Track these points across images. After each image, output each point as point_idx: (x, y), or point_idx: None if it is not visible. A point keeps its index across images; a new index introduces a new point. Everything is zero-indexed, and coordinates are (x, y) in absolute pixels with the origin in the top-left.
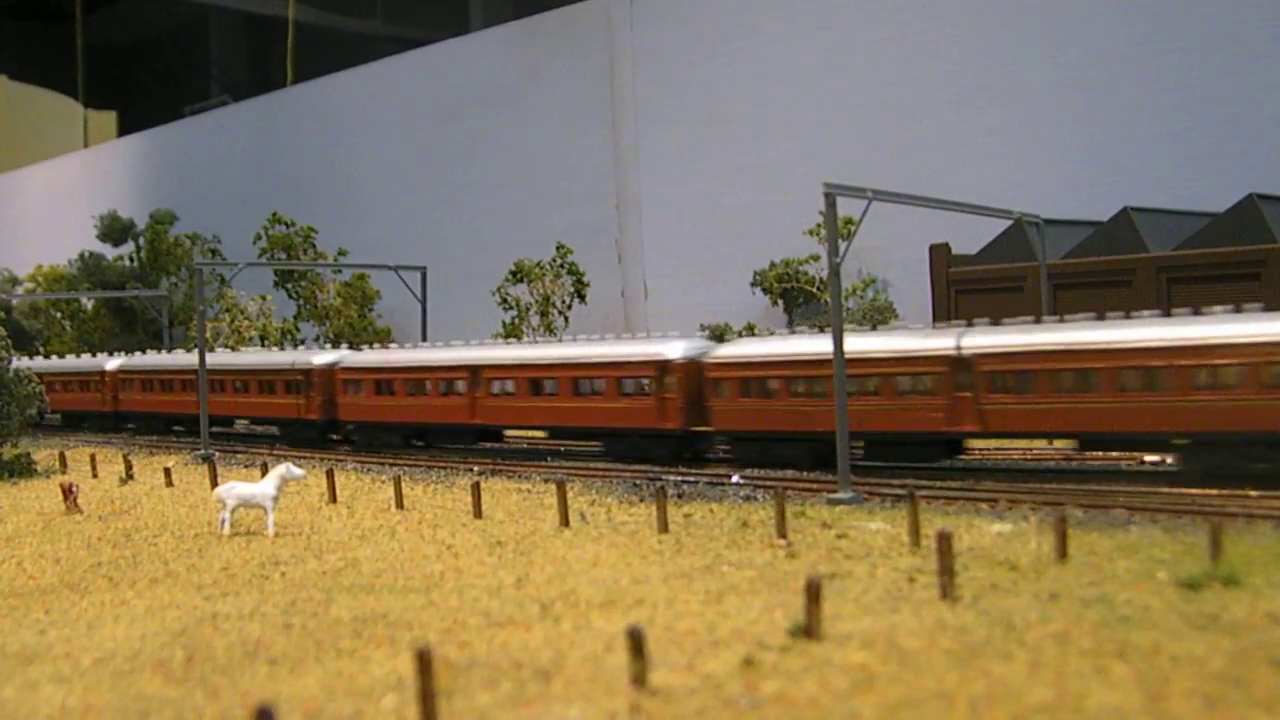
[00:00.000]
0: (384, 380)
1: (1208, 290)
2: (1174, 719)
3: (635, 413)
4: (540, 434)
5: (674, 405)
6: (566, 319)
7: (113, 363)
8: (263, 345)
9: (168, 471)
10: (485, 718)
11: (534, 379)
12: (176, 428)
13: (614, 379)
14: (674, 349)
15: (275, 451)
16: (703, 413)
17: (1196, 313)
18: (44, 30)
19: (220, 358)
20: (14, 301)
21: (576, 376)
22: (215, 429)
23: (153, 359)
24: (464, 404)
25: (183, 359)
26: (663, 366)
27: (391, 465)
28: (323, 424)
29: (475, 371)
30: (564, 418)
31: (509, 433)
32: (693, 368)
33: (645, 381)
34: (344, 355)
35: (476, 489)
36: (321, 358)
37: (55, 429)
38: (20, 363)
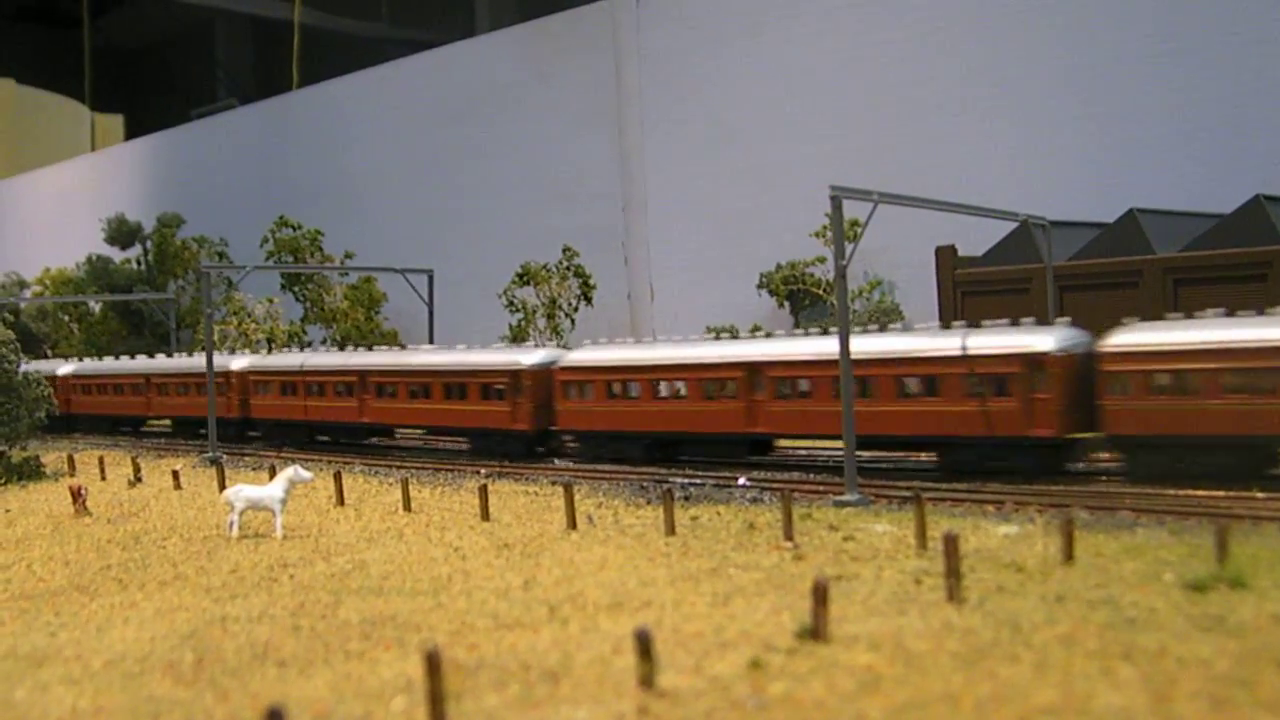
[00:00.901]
0: (623, 381)
1: (1215, 292)
2: None
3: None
4: None
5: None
6: (573, 321)
7: (240, 361)
8: (270, 348)
9: (176, 474)
10: (494, 719)
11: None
12: (322, 438)
13: (478, 386)
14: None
15: (283, 455)
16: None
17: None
18: (51, 34)
19: (386, 357)
20: (22, 304)
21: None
22: (366, 443)
23: (293, 358)
24: (738, 409)
25: (338, 358)
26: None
27: (399, 468)
28: (533, 435)
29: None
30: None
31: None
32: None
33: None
34: (560, 353)
35: (484, 491)
36: (531, 356)
37: (105, 434)
38: (119, 362)
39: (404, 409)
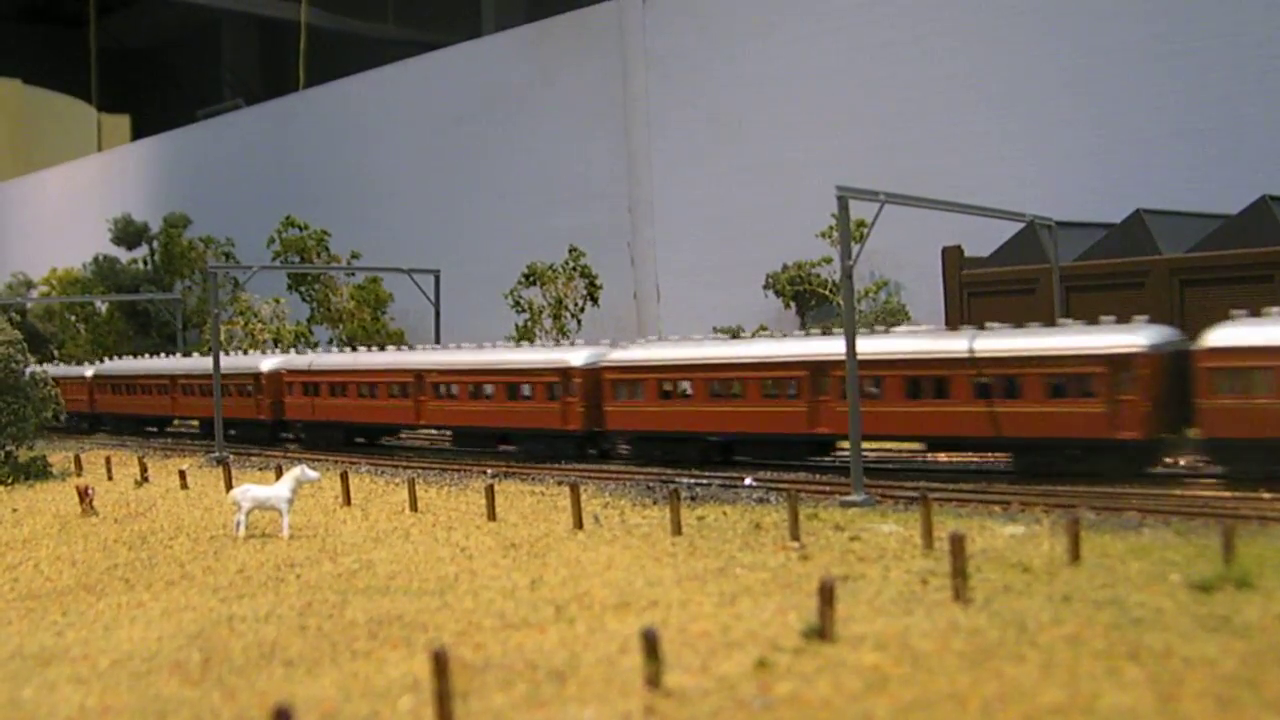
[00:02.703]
0: (675, 379)
1: (1221, 293)
2: None
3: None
4: None
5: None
6: (579, 321)
7: (270, 362)
8: (276, 348)
9: (183, 474)
10: (501, 719)
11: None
12: (359, 439)
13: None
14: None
15: (289, 455)
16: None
17: None
18: (58, 34)
19: (446, 355)
20: (29, 305)
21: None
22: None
23: (336, 358)
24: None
25: (389, 357)
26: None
27: (405, 468)
28: (581, 436)
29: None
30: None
31: None
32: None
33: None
34: (603, 351)
35: (490, 492)
36: (579, 354)
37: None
38: (146, 362)
39: (467, 410)
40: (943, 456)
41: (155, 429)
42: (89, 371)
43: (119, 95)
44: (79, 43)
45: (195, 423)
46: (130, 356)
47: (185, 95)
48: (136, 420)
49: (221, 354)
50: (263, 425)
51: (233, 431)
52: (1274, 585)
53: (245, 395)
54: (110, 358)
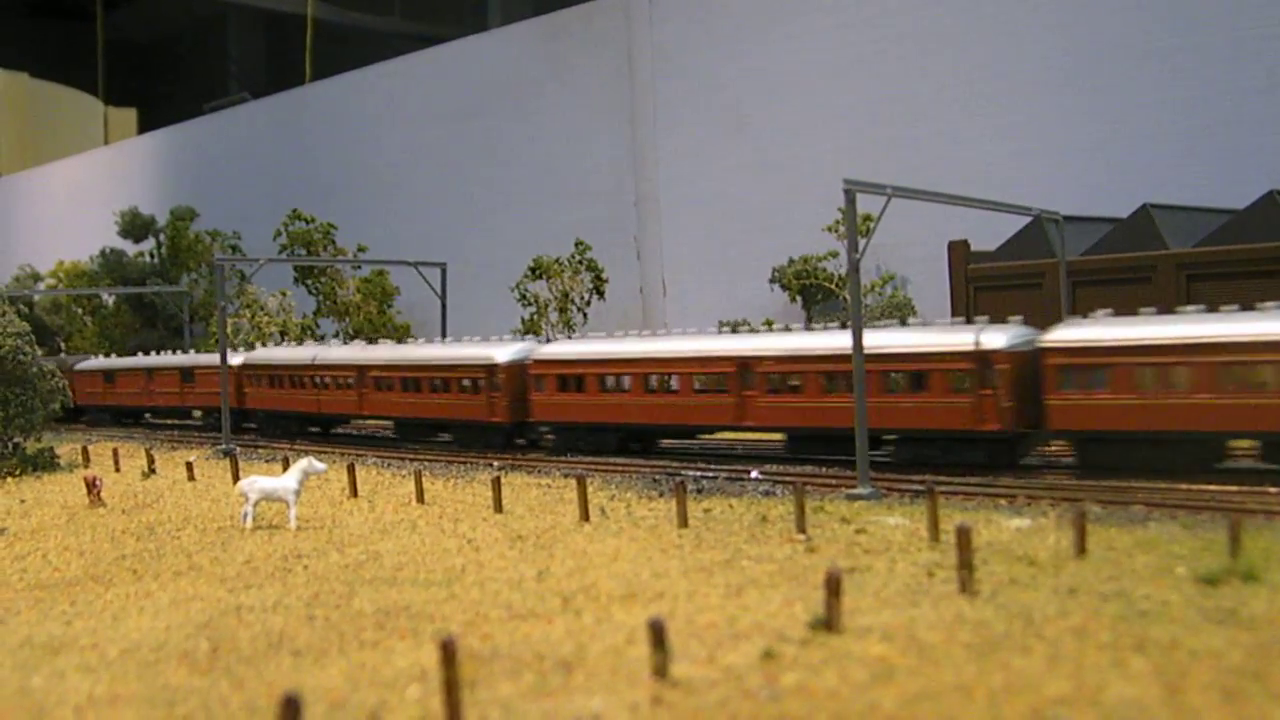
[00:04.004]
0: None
1: (1228, 287)
2: (1192, 712)
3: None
4: None
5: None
6: (585, 315)
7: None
8: (283, 341)
9: (190, 466)
10: (508, 708)
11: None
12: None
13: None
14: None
15: (296, 446)
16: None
17: None
18: (65, 28)
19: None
20: (36, 297)
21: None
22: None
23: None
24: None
25: (446, 350)
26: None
27: (412, 460)
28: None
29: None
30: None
31: None
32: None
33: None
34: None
35: (497, 484)
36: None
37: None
38: (318, 350)
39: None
40: None
41: (318, 430)
42: (235, 359)
43: (126, 89)
44: (86, 36)
45: (387, 423)
46: (288, 344)
47: (192, 89)
48: (304, 420)
49: (437, 340)
50: (497, 430)
51: (445, 437)
52: None
53: (471, 392)
54: (263, 344)
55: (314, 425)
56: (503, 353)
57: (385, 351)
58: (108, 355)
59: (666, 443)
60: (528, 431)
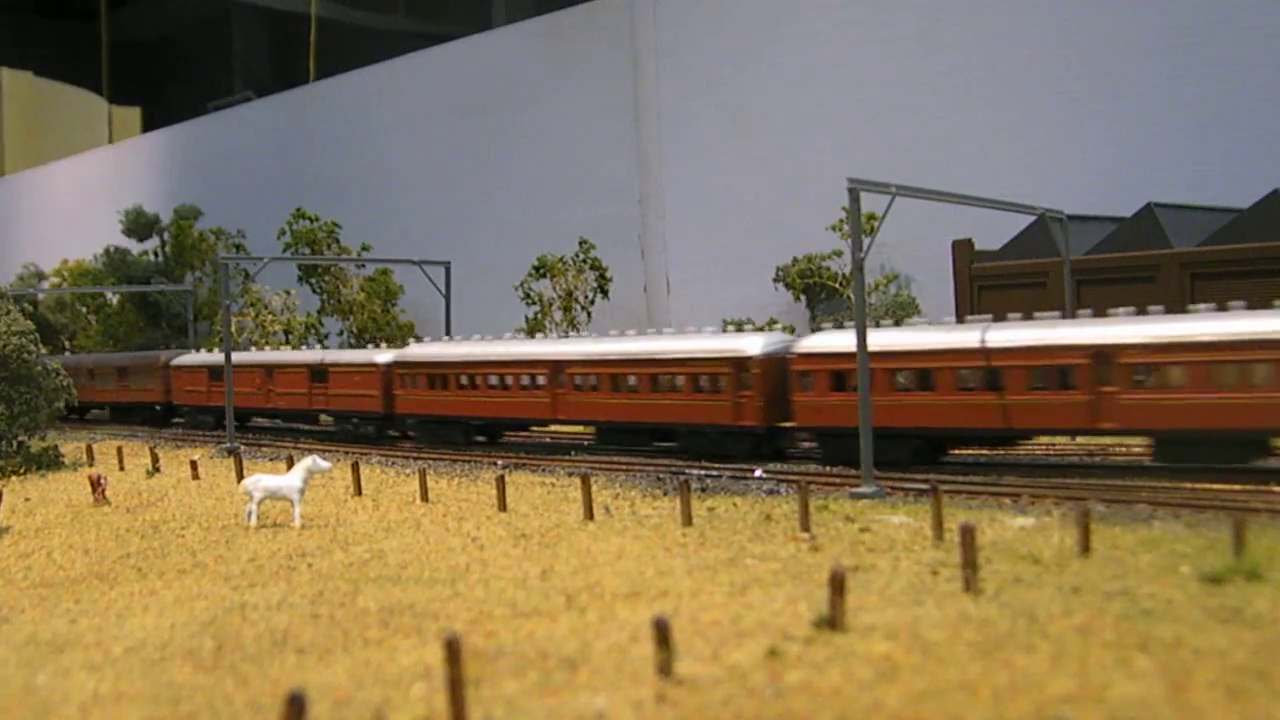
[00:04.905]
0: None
1: (1232, 286)
2: (1196, 710)
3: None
4: None
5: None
6: (589, 314)
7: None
8: (287, 340)
9: (194, 464)
10: (513, 706)
11: None
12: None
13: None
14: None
15: (300, 445)
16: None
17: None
18: (69, 27)
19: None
20: (40, 296)
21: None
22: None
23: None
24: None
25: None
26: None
27: (416, 459)
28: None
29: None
30: None
31: None
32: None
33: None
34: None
35: (501, 482)
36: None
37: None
38: (491, 345)
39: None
40: None
41: (485, 438)
42: (381, 358)
43: (130, 87)
44: (90, 35)
45: (583, 429)
46: (429, 340)
47: (196, 87)
48: (469, 428)
49: (668, 332)
50: (748, 436)
51: (674, 446)
52: None
53: (711, 392)
54: (408, 341)
55: (484, 434)
56: (754, 345)
57: (588, 345)
58: (210, 350)
59: None
60: (780, 438)
